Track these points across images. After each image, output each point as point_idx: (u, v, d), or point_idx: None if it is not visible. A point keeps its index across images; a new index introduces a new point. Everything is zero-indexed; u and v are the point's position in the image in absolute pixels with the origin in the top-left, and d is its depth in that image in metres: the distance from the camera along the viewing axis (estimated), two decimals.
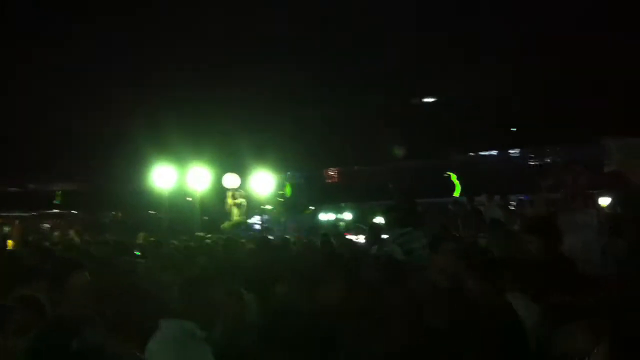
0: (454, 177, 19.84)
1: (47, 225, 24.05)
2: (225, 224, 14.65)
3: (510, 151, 19.65)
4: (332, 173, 24.40)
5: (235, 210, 14.87)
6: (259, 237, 12.37)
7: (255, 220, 21.01)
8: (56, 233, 16.65)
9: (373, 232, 8.29)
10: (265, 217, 22.17)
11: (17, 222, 24.30)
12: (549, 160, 19.04)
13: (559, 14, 14.24)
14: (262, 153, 17.14)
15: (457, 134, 17.52)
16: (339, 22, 15.74)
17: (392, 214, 7.15)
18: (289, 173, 21.46)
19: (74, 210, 24.52)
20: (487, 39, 15.98)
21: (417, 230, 6.62)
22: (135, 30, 15.16)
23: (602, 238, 6.70)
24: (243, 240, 10.08)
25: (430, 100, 19.27)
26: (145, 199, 18.52)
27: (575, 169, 7.37)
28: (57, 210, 25.03)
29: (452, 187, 19.45)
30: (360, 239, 17.61)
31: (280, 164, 18.67)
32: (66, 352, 3.20)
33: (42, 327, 3.58)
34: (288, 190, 21.52)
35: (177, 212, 17.04)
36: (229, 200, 14.93)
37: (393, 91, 19.37)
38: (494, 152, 19.83)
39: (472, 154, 19.38)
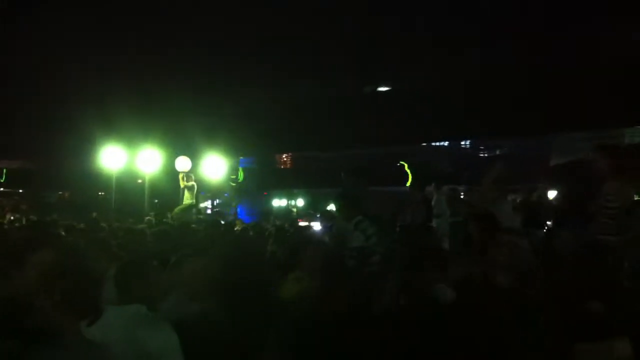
0: (406, 166, 20.11)
1: None
2: (176, 209, 14.51)
3: (462, 142, 19.97)
4: (284, 159, 24.39)
5: (187, 194, 14.74)
6: (212, 220, 12.33)
7: (207, 205, 20.92)
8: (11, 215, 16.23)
9: (326, 219, 8.38)
10: (217, 201, 22.08)
11: None
12: (498, 152, 19.46)
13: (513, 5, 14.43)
14: (214, 136, 17.01)
15: (411, 124, 17.65)
16: (293, 7, 15.63)
17: (343, 201, 7.22)
18: (241, 158, 21.36)
19: (20, 189, 23.95)
20: (443, 27, 16.10)
21: (368, 218, 6.74)
22: (87, 8, 14.80)
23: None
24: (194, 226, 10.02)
25: (384, 89, 19.35)
26: (94, 180, 18.18)
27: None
28: (1, 189, 24.42)
29: (405, 176, 19.69)
30: (314, 225, 17.75)
31: (233, 148, 18.56)
32: (14, 331, 3.15)
33: None
34: (240, 175, 21.44)
35: (126, 194, 16.79)
36: (181, 183, 14.80)
37: (347, 78, 19.39)
38: (445, 143, 20.12)
39: (424, 144, 19.61)
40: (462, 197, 13.73)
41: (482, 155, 20.33)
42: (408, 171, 20.11)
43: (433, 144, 19.59)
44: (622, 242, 5.08)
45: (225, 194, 21.91)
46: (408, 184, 20.17)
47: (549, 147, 19.33)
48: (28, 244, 4.46)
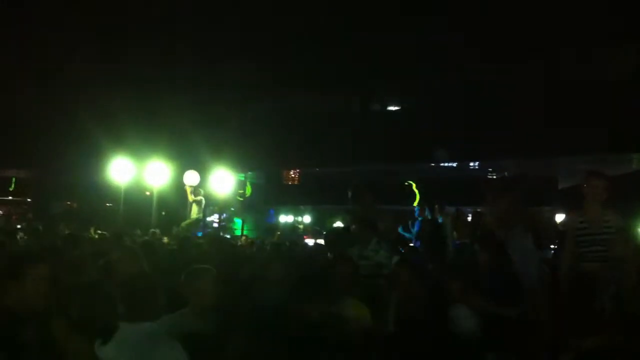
0: (414, 185, 20.05)
1: (0, 212, 23.54)
2: (183, 223, 14.53)
3: (470, 163, 19.90)
4: (292, 175, 24.40)
5: (194, 208, 14.76)
6: (215, 236, 12.35)
7: (214, 219, 20.93)
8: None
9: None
10: (224, 215, 22.09)
11: None
12: (506, 174, 19.35)
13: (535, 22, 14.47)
14: (222, 151, 17.06)
15: (419, 143, 17.66)
16: (304, 22, 15.74)
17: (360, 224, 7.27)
18: (249, 173, 21.39)
19: (28, 198, 24.03)
20: (455, 46, 16.16)
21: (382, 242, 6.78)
22: (96, 20, 14.96)
23: (539, 252, 7.01)
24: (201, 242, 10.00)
25: (394, 108, 19.41)
26: (101, 191, 18.25)
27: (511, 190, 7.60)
28: (10, 198, 24.51)
29: (412, 195, 19.63)
30: (318, 241, 17.72)
31: (241, 163, 18.61)
32: (12, 344, 3.15)
33: None
34: (248, 190, 21.48)
35: (134, 206, 16.83)
36: (189, 198, 14.82)
37: (357, 95, 19.44)
38: (454, 164, 20.06)
39: (432, 164, 19.55)
40: (468, 219, 13.69)
41: (490, 176, 20.23)
42: (415, 190, 20.06)
43: (441, 164, 19.52)
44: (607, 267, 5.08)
45: (232, 209, 21.93)
46: (415, 203, 20.13)
47: (556, 170, 19.28)
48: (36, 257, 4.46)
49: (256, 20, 15.33)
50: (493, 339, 3.64)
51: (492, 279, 5.09)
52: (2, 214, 22.74)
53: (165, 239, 11.96)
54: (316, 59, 16.96)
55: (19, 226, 19.68)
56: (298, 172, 23.93)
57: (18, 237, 10.29)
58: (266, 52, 15.41)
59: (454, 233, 10.81)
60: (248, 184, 21.26)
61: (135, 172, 15.48)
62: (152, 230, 13.04)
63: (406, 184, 20.21)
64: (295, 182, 24.36)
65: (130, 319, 3.45)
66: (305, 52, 16.73)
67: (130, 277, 3.98)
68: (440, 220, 10.89)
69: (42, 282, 3.74)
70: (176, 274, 4.36)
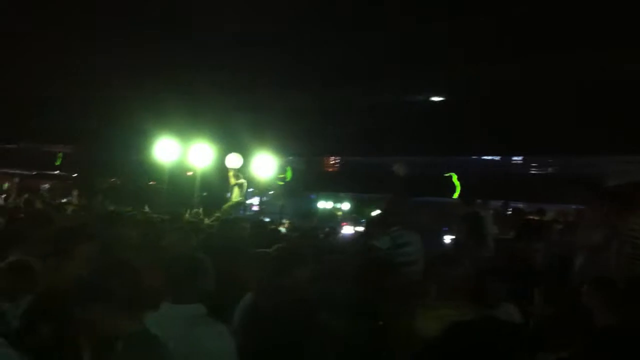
0: (455, 177, 19.88)
1: (46, 185, 24.15)
2: (225, 206, 14.70)
3: (513, 158, 19.66)
4: (332, 161, 24.43)
5: (236, 191, 14.92)
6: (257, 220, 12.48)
7: (254, 202, 21.14)
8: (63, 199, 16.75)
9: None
10: (264, 198, 22.27)
11: (15, 179, 24.42)
12: (551, 170, 19.09)
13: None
14: (265, 135, 17.17)
15: (463, 135, 17.49)
16: (348, 9, 15.62)
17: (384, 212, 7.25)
18: (290, 157, 21.48)
19: (74, 173, 24.54)
20: (497, 35, 15.87)
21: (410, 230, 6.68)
22: (142, 4, 15.11)
23: None
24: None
25: (439, 99, 19.21)
26: (145, 170, 18.56)
27: None
28: (56, 172, 25.08)
29: (453, 188, 19.49)
30: (358, 229, 17.80)
31: (283, 148, 18.69)
32: (57, 319, 3.24)
33: (36, 296, 3.62)
34: (289, 174, 21.57)
35: (177, 186, 17.09)
36: (231, 180, 14.98)
37: (401, 83, 19.30)
38: (497, 158, 19.84)
39: (474, 157, 19.38)
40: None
41: (533, 172, 19.97)
42: (456, 183, 19.90)
43: (484, 157, 19.33)
44: None
45: (271, 192, 22.09)
46: (455, 195, 19.97)
47: (598, 169, 18.90)
48: (85, 235, 4.57)
49: (301, 7, 15.27)
50: (541, 339, 3.61)
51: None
52: (49, 188, 23.34)
53: (206, 220, 12.14)
54: (358, 47, 16.87)
55: (64, 200, 20.22)
56: (338, 160, 23.96)
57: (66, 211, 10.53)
58: (310, 39, 15.36)
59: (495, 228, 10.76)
60: (289, 168, 21.34)
61: (180, 152, 15.72)
62: (196, 210, 13.26)
63: (446, 175, 20.06)
64: (335, 170, 24.39)
65: (175, 301, 3.52)
66: (347, 40, 16.64)
67: (179, 258, 4.02)
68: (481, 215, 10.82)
69: (89, 259, 3.84)
70: (218, 256, 4.41)
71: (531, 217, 13.06)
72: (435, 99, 19.18)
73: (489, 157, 19.68)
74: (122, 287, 2.95)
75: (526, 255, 7.31)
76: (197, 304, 3.53)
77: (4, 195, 19.71)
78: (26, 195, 15.34)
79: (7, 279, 3.91)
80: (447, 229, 11.89)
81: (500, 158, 19.75)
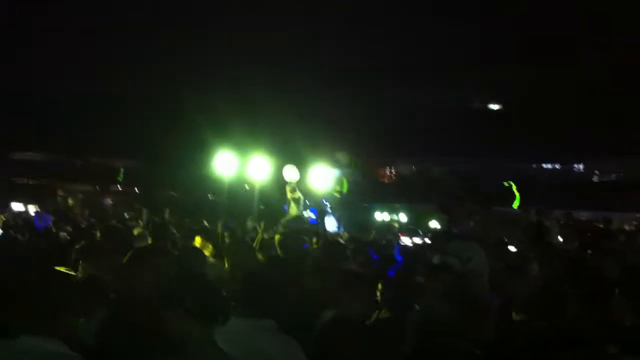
0: (514, 186, 19.44)
1: (109, 200, 24.79)
2: (284, 219, 14.75)
3: (575, 165, 19.18)
4: (387, 172, 24.30)
5: (293, 205, 14.94)
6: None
7: (310, 214, 21.12)
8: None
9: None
10: (319, 211, 22.21)
11: (80, 195, 25.15)
12: (614, 177, 18.52)
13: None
14: (321, 147, 17.22)
15: (522, 143, 17.19)
16: (404, 17, 15.61)
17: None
18: (347, 169, 21.47)
19: (135, 187, 25.13)
20: (566, 42, 15.59)
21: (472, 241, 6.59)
22: (201, 19, 15.44)
23: None
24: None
25: (497, 107, 18.97)
26: (204, 183, 18.85)
27: None
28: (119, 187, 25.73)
29: (512, 197, 19.08)
30: (415, 241, 17.59)
31: (337, 160, 18.70)
32: (130, 330, 3.30)
33: (112, 308, 3.69)
34: (345, 186, 21.53)
35: (235, 199, 17.28)
36: (288, 195, 15.02)
37: (456, 92, 19.14)
38: (557, 166, 19.39)
39: (534, 165, 18.98)
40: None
41: (595, 180, 19.39)
42: (516, 192, 19.47)
43: (543, 165, 18.93)
44: None
45: (327, 204, 22.04)
46: (515, 205, 19.56)
47: None
48: (156, 249, 4.66)
49: (358, 15, 15.33)
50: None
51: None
52: (112, 203, 23.97)
53: (265, 235, 12.18)
54: (416, 55, 16.81)
55: (126, 215, 20.71)
56: (393, 170, 23.83)
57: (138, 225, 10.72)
58: (369, 50, 15.45)
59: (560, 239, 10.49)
60: (344, 180, 21.30)
61: (238, 165, 15.90)
62: (255, 224, 13.34)
63: (506, 184, 19.66)
64: (391, 180, 24.25)
65: (244, 314, 3.55)
66: (404, 49, 16.61)
67: (248, 273, 4.05)
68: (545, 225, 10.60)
69: (164, 272, 3.90)
70: (285, 270, 4.42)
71: (596, 225, 12.72)
72: (494, 106, 18.97)
73: (550, 165, 19.27)
74: (194, 298, 3.00)
75: (595, 266, 7.10)
76: (268, 319, 3.54)
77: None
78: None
79: (81, 294, 3.97)
80: (506, 239, 11.68)
81: (562, 165, 19.33)
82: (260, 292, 3.72)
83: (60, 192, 24.56)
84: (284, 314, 3.74)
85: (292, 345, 3.50)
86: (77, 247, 5.38)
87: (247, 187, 17.78)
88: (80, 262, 4.91)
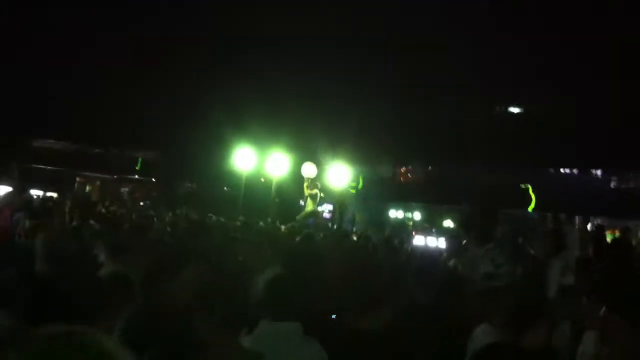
0: (530, 189, 19.41)
1: (126, 189, 25.03)
2: (298, 217, 14.86)
3: (593, 171, 19.05)
4: (404, 171, 24.32)
5: (309, 201, 15.06)
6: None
7: (324, 209, 21.22)
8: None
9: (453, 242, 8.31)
10: (331, 207, 22.28)
11: (98, 182, 25.41)
12: (632, 185, 18.40)
13: None
14: (340, 145, 17.27)
15: (540, 148, 17.14)
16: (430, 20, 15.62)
17: (473, 229, 7.19)
18: (364, 167, 21.52)
19: (153, 178, 25.33)
20: (581, 48, 15.54)
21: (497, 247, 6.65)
22: (223, 14, 15.53)
23: None
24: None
25: (516, 110, 18.91)
26: (221, 177, 18.97)
27: None
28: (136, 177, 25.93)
29: (528, 200, 19.07)
30: (430, 240, 17.63)
31: (356, 157, 18.74)
32: (160, 340, 3.34)
33: (136, 313, 3.70)
34: (360, 183, 21.60)
35: (250, 193, 17.38)
36: (306, 191, 15.13)
37: (475, 97, 19.09)
38: (575, 171, 19.28)
39: (551, 170, 18.92)
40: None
41: (613, 187, 19.23)
42: (532, 194, 19.44)
43: (562, 170, 18.85)
44: None
45: (343, 201, 22.10)
46: (530, 208, 19.52)
47: None
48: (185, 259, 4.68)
49: (384, 15, 15.36)
50: None
51: None
52: (128, 191, 24.22)
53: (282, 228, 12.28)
54: (439, 61, 16.81)
55: (141, 203, 20.89)
56: (410, 170, 23.87)
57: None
58: (393, 53, 15.48)
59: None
60: (360, 177, 21.37)
61: (257, 161, 16.02)
62: (272, 220, 13.47)
63: (522, 186, 19.64)
64: (408, 180, 24.28)
65: (273, 319, 3.59)
66: (429, 53, 16.61)
67: (274, 276, 4.08)
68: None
69: (194, 279, 3.94)
70: (306, 272, 4.45)
71: (613, 233, 12.70)
72: (514, 110, 18.93)
73: (569, 171, 19.18)
74: (224, 303, 3.03)
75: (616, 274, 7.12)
76: (294, 322, 3.58)
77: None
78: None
79: (106, 291, 3.94)
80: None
81: (579, 171, 19.22)
82: (285, 296, 3.74)
83: (78, 179, 24.85)
84: (309, 317, 3.75)
85: (318, 349, 3.53)
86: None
87: (262, 180, 17.86)
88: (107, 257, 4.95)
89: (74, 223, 10.20)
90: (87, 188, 25.00)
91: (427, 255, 10.09)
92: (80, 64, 18.61)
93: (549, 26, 15.91)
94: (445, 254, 9.70)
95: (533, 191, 19.55)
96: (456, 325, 4.16)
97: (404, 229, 22.37)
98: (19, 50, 17.40)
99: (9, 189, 17.37)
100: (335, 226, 16.84)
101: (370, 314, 3.99)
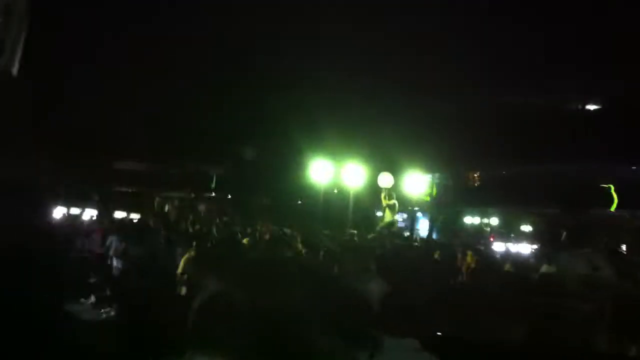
0: (612, 189, 18.87)
1: (202, 207, 25.57)
2: (379, 226, 14.89)
3: None
4: (476, 176, 24.05)
5: (387, 212, 15.05)
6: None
7: (399, 218, 21.19)
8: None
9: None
10: (404, 215, 22.23)
11: (176, 202, 26.06)
12: None
13: None
14: (413, 154, 17.24)
15: (620, 145, 16.67)
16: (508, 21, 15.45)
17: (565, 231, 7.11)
18: (437, 174, 21.41)
19: (227, 194, 25.84)
20: None
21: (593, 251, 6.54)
22: (297, 26, 15.76)
23: None
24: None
25: (595, 107, 18.45)
26: (295, 190, 19.19)
27: None
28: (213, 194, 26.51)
29: (610, 200, 18.54)
30: (510, 246, 17.41)
31: (430, 165, 18.67)
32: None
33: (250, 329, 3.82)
34: (434, 191, 21.50)
35: (330, 205, 17.49)
36: (383, 202, 15.14)
37: (554, 94, 18.74)
38: None
39: (634, 167, 18.33)
40: None
41: None
42: (614, 194, 18.88)
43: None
44: None
45: (416, 208, 22.06)
46: (612, 208, 18.94)
47: None
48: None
49: (449, 24, 15.30)
50: None
51: None
52: (205, 209, 24.73)
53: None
54: (507, 57, 16.59)
55: (217, 220, 21.28)
56: (478, 174, 23.58)
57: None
58: (462, 57, 15.39)
59: None
60: (434, 185, 21.27)
61: (333, 173, 16.15)
62: (351, 231, 13.53)
63: (604, 186, 19.09)
64: (476, 184, 24.00)
65: (390, 333, 3.63)
66: (494, 52, 16.42)
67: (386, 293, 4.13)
68: None
69: (312, 288, 4.04)
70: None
71: None
72: (591, 107, 18.46)
73: None
74: (349, 321, 3.10)
75: None
76: (411, 338, 3.61)
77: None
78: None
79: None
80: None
81: None
82: (402, 311, 3.77)
83: (157, 199, 25.54)
84: (427, 333, 3.78)
85: None
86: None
87: (335, 191, 17.97)
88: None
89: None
90: (167, 207, 25.64)
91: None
92: (151, 89, 19.23)
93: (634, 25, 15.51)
94: (534, 260, 9.59)
95: (615, 190, 19.01)
96: None
97: (481, 234, 22.14)
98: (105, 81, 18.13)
99: (96, 213, 18.14)
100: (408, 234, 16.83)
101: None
